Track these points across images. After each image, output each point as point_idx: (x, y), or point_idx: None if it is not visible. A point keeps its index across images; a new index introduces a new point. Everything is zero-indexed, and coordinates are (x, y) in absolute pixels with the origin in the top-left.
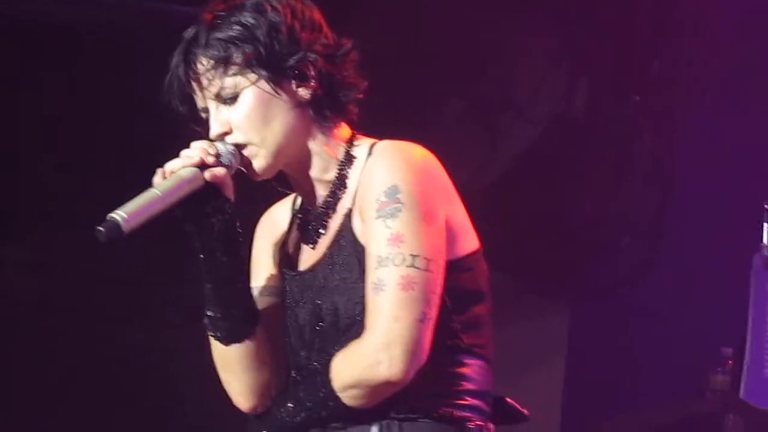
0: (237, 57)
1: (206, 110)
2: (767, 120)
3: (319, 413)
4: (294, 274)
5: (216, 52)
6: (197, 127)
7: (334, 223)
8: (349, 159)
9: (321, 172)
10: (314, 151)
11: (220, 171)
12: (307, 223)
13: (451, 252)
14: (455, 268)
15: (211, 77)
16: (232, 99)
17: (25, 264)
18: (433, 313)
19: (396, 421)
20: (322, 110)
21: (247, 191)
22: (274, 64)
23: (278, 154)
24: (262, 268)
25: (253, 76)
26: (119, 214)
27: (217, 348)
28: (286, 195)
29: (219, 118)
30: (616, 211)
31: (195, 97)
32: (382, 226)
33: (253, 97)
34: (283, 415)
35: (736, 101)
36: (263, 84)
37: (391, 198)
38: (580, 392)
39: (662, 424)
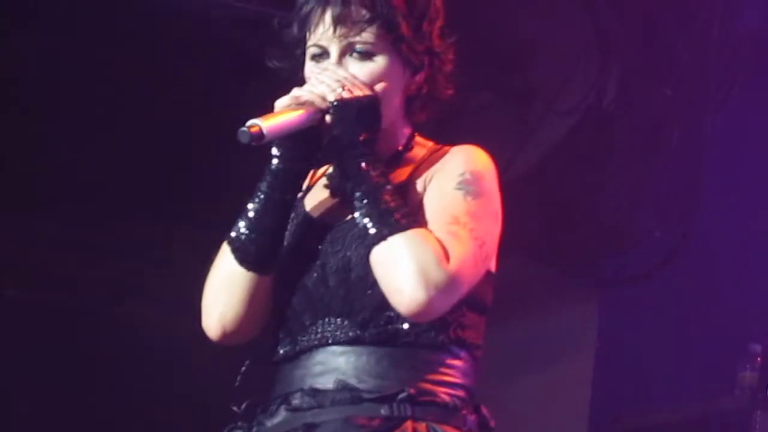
0: (388, 21)
1: (320, 49)
2: None
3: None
4: (336, 224)
5: (372, 5)
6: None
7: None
8: (408, 148)
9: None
10: (384, 132)
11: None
12: (338, 184)
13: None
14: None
15: (354, 24)
16: (365, 55)
17: None
18: (473, 281)
19: (407, 404)
20: (413, 107)
21: None
22: (409, 46)
23: None
24: None
25: (389, 45)
26: (261, 122)
27: (229, 269)
28: None
29: (343, 67)
30: (647, 201)
31: (314, 31)
32: (461, 196)
33: (384, 65)
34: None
35: (766, 91)
36: (395, 58)
37: (476, 179)
38: (608, 384)
39: (690, 420)
